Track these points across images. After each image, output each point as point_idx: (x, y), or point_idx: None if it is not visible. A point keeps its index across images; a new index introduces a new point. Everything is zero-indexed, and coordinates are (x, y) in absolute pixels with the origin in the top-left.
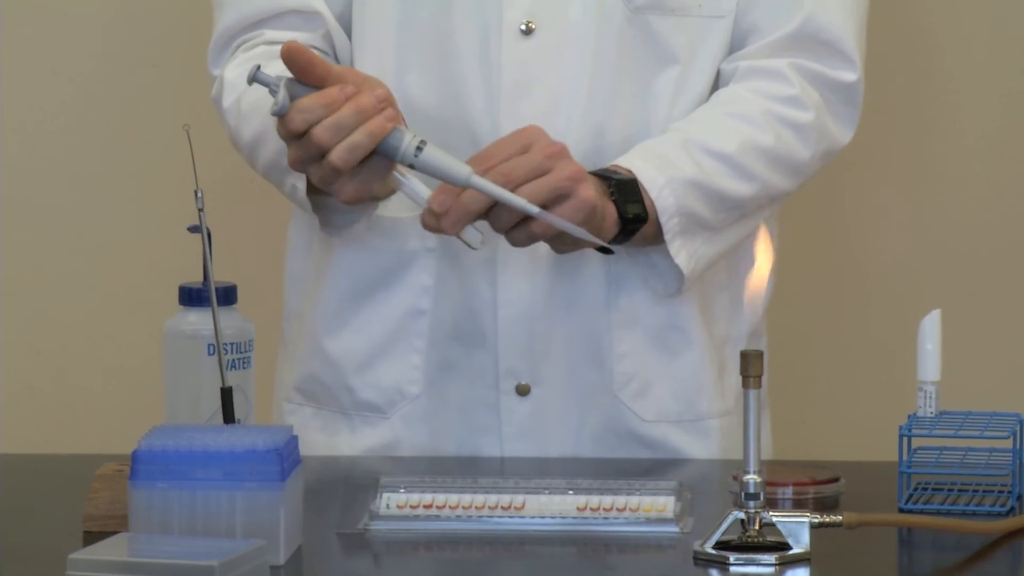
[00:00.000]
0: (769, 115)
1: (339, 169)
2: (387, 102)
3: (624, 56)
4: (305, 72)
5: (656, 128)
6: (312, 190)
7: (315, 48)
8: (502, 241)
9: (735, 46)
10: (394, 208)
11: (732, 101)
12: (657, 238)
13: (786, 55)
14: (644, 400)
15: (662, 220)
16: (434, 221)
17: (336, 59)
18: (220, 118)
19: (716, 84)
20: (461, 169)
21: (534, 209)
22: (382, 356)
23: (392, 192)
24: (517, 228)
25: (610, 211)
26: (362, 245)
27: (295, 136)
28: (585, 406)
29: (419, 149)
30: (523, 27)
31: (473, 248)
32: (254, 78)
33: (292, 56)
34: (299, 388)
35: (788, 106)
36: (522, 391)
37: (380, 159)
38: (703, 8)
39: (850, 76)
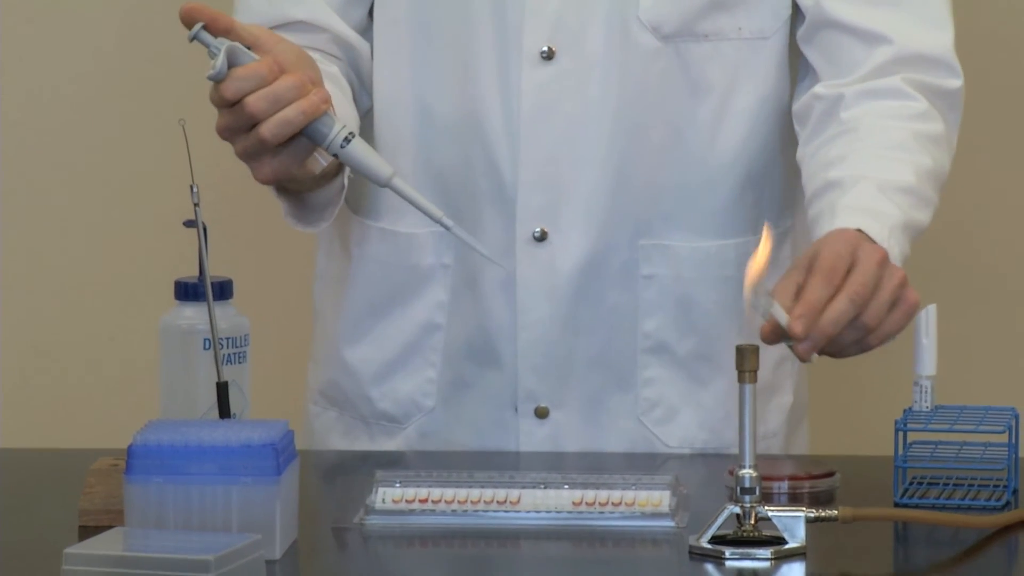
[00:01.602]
0: (917, 136)
1: (266, 142)
2: (322, 85)
3: (653, 85)
4: (211, 23)
5: (697, 161)
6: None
7: (322, 51)
8: (520, 263)
9: (810, 72)
10: (411, 223)
11: (878, 132)
12: None
13: (894, 73)
14: (669, 426)
15: None
16: (774, 337)
17: (354, 71)
18: None
19: (774, 110)
20: (384, 169)
21: (449, 223)
22: (399, 368)
23: (310, 175)
24: (853, 344)
25: None
26: (379, 260)
27: (228, 104)
28: (605, 431)
29: (347, 140)
30: (543, 52)
31: (807, 361)
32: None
33: (192, 15)
34: (323, 392)
35: (924, 122)
36: (540, 414)
37: (304, 142)
38: (743, 31)
39: (955, 83)
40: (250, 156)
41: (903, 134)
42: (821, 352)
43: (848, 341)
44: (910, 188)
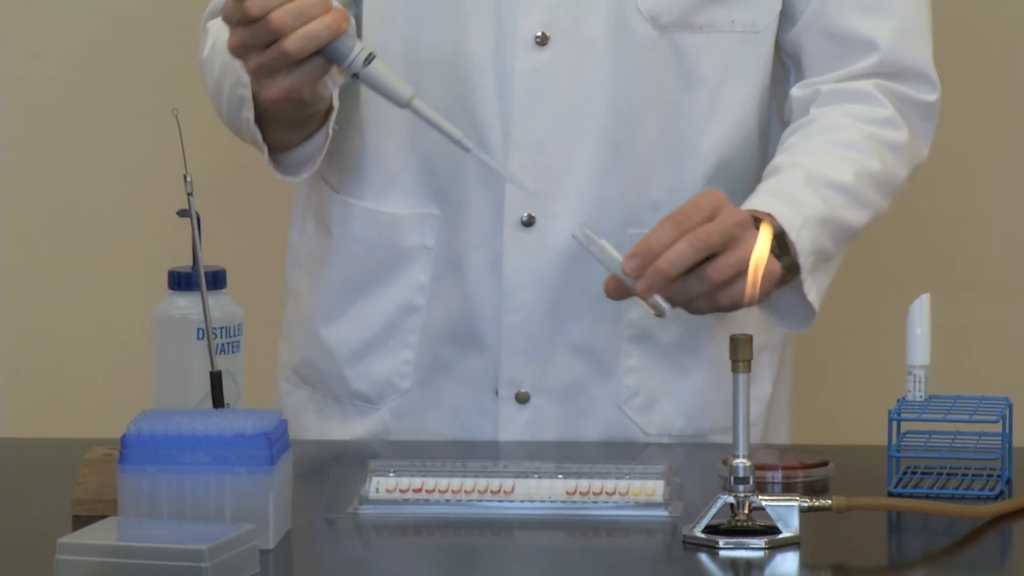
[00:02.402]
0: (872, 140)
1: (290, 55)
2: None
3: (647, 75)
4: None
5: (687, 152)
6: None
7: None
8: (507, 246)
9: (793, 70)
10: (394, 204)
11: (832, 129)
12: (783, 278)
13: (869, 78)
14: (648, 414)
15: (799, 261)
16: (618, 291)
17: None
18: (203, 79)
19: (771, 104)
20: (404, 90)
21: (469, 144)
22: (375, 349)
23: (319, 97)
24: (701, 298)
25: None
26: (361, 239)
27: (251, 20)
28: (585, 417)
29: (368, 60)
30: (537, 37)
31: (660, 316)
32: None
33: None
34: (296, 371)
35: (886, 128)
36: (521, 399)
37: (319, 61)
38: (736, 24)
39: (931, 96)
40: (264, 73)
41: (855, 134)
42: (674, 304)
43: (694, 293)
44: (844, 186)
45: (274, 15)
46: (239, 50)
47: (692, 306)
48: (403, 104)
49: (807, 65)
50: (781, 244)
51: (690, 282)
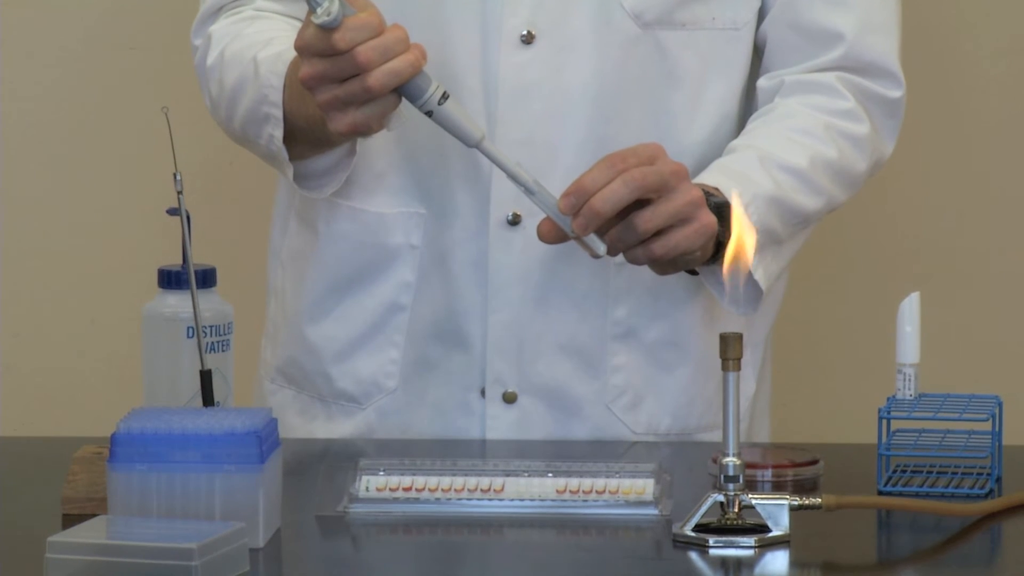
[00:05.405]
0: (831, 129)
1: (372, 91)
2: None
3: (632, 71)
4: None
5: (670, 147)
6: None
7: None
8: (493, 245)
9: (766, 65)
10: (381, 203)
11: (791, 116)
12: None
13: (833, 71)
14: (635, 413)
15: None
16: (552, 233)
17: None
18: (201, 83)
19: (749, 100)
20: (475, 131)
21: (535, 190)
22: (361, 348)
23: (380, 130)
24: (638, 246)
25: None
26: (347, 238)
27: (337, 52)
28: (572, 417)
29: (444, 99)
30: (523, 35)
31: (596, 256)
32: None
33: None
34: (281, 370)
35: (846, 119)
36: (508, 399)
37: (392, 97)
38: (716, 21)
39: (896, 93)
40: (334, 106)
41: (813, 122)
42: (613, 253)
43: (629, 239)
44: (797, 169)
45: (360, 50)
46: (313, 81)
47: (629, 255)
48: (472, 144)
49: (774, 57)
50: (721, 215)
51: (622, 230)
